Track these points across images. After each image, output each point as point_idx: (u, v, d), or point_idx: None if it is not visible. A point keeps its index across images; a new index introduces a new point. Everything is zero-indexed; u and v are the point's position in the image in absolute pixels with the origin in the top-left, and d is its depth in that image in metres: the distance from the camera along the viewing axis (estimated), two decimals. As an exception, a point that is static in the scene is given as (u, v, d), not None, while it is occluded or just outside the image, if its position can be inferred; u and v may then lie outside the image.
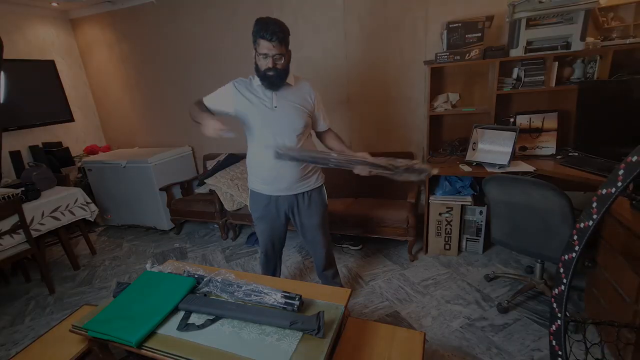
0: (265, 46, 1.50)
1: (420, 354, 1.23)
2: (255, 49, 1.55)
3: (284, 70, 1.58)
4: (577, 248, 1.07)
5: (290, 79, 1.66)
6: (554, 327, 1.14)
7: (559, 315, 1.12)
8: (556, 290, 1.13)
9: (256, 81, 1.65)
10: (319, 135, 1.87)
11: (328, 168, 1.62)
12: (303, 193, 1.78)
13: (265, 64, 1.53)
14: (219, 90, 1.71)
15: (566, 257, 1.10)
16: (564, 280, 1.10)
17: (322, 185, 1.87)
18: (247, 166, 1.83)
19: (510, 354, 1.69)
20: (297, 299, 1.28)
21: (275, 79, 1.57)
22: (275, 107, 1.63)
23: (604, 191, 1.01)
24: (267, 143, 1.61)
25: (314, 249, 1.97)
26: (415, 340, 1.30)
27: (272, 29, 1.47)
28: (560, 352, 1.12)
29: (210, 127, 1.46)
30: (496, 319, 1.93)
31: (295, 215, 1.84)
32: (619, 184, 0.96)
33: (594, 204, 1.03)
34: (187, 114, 1.72)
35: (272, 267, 2.04)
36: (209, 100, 1.71)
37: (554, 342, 1.14)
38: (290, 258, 2.80)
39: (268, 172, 1.71)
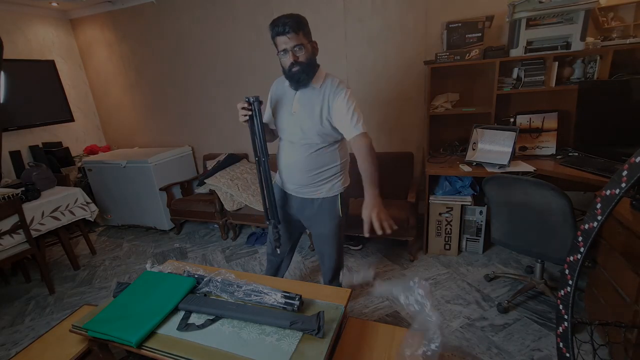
0: (281, 41, 1.41)
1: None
2: (277, 52, 1.47)
3: (308, 64, 1.45)
4: (582, 249, 1.06)
5: (317, 80, 1.50)
6: (560, 329, 1.13)
7: (566, 317, 1.11)
8: (562, 292, 1.12)
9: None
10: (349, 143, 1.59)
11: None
12: (312, 199, 1.66)
13: (287, 60, 1.44)
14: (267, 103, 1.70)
15: (571, 258, 1.09)
16: (570, 282, 1.09)
17: (336, 195, 1.65)
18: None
19: (510, 354, 1.69)
20: (297, 299, 1.28)
21: (300, 75, 1.45)
22: (294, 112, 1.54)
23: (608, 192, 1.00)
24: (287, 140, 1.62)
25: (321, 259, 1.86)
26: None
27: (283, 21, 1.38)
28: (567, 355, 1.11)
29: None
30: (496, 319, 1.93)
31: (303, 220, 1.77)
32: (623, 184, 0.96)
33: (598, 205, 1.03)
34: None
35: (275, 264, 1.97)
36: (266, 118, 1.70)
37: (561, 344, 1.13)
38: (290, 258, 2.79)
39: (283, 167, 1.69)
